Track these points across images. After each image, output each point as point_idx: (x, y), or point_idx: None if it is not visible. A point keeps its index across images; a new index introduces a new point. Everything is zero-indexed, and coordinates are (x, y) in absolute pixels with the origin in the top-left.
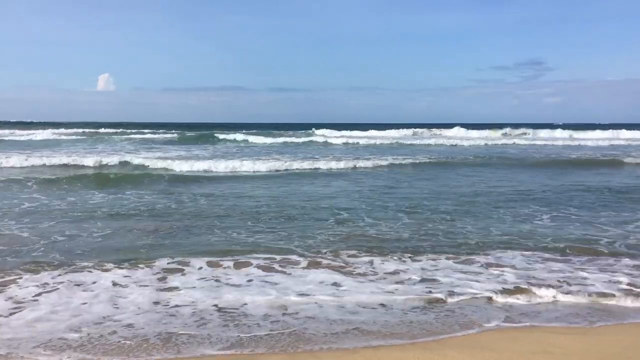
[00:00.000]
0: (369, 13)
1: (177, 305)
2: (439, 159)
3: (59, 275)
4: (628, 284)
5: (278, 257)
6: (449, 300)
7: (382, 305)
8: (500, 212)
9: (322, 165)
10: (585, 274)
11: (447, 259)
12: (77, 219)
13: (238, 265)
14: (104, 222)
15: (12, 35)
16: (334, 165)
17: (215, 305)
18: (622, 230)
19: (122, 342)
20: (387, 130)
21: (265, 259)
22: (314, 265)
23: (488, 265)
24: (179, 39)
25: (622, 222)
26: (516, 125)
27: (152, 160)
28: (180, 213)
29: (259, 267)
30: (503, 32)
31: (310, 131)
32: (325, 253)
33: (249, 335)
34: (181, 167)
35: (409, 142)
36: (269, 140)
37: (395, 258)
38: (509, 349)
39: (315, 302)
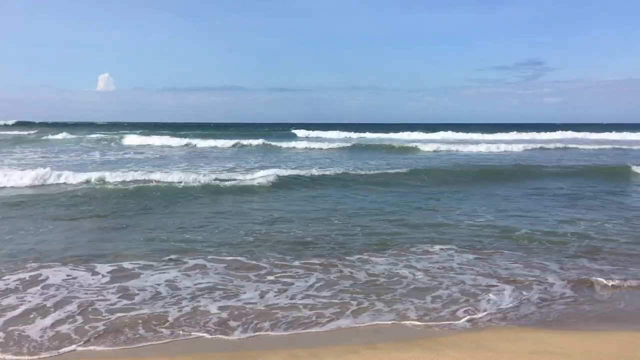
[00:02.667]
0: (369, 13)
1: None
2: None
3: None
4: None
5: None
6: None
7: None
8: None
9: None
10: None
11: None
12: None
13: None
14: None
15: (13, 35)
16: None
17: None
18: None
19: None
20: (369, 133)
21: None
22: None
23: None
24: (179, 39)
25: None
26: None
27: None
28: None
29: None
30: (503, 32)
31: (292, 132)
32: None
33: None
34: None
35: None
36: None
37: None
38: (509, 349)
39: None
